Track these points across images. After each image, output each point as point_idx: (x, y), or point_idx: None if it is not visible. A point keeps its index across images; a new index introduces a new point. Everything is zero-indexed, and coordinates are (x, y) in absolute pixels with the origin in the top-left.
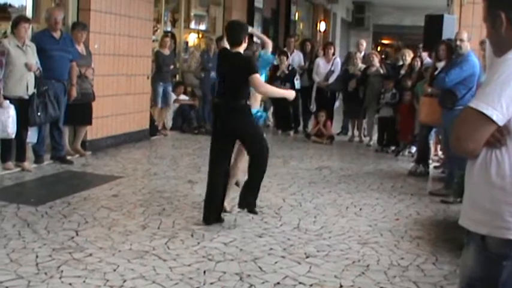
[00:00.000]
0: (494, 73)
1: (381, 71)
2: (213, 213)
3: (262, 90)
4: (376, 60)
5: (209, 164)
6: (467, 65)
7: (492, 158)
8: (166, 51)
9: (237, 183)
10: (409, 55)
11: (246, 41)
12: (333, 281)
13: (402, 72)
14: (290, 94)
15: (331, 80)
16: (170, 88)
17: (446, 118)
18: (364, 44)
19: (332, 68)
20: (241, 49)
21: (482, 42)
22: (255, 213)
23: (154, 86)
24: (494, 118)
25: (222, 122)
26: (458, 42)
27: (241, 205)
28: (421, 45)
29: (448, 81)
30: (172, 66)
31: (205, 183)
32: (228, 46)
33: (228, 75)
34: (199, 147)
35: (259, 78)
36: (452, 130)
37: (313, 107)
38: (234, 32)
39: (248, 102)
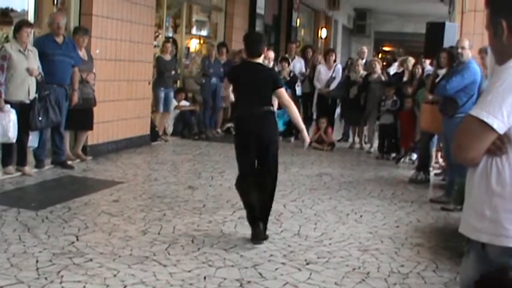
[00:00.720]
0: (496, 81)
1: (382, 78)
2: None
3: (288, 104)
4: (378, 67)
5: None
6: (469, 72)
7: (493, 166)
8: (168, 57)
9: None
10: (411, 62)
11: (265, 51)
12: None
13: (405, 79)
14: (305, 137)
15: (332, 86)
16: (172, 94)
17: (447, 126)
18: (366, 51)
19: (333, 75)
20: (261, 60)
21: (481, 51)
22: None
23: (155, 92)
24: (495, 126)
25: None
26: (459, 50)
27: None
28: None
29: (449, 89)
30: (173, 72)
31: (205, 189)
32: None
33: (253, 85)
34: (200, 153)
35: (285, 92)
36: (454, 138)
37: (314, 114)
38: (254, 43)
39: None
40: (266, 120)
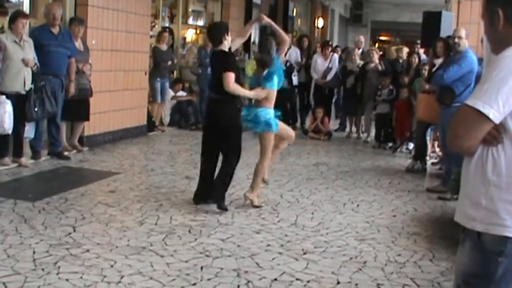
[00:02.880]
0: (492, 71)
1: (380, 68)
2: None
3: (229, 89)
4: (375, 57)
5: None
6: (466, 62)
7: (488, 155)
8: (164, 47)
9: (264, 180)
10: (405, 51)
11: (226, 38)
12: (330, 277)
13: (400, 68)
14: (255, 95)
15: (329, 77)
16: (167, 84)
17: (445, 115)
18: (363, 40)
19: (330, 65)
20: (223, 47)
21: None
22: (225, 209)
23: (151, 82)
24: (491, 116)
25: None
26: (456, 40)
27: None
28: (418, 42)
29: (446, 78)
30: (170, 62)
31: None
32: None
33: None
34: (197, 143)
35: (230, 76)
36: (449, 128)
37: (312, 104)
38: (213, 33)
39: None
40: (223, 107)
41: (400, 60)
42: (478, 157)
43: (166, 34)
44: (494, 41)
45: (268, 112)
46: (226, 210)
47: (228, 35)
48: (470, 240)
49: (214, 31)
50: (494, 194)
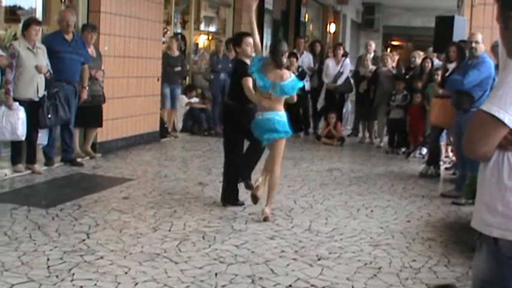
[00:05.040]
0: (506, 75)
1: (393, 71)
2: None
3: (245, 89)
4: (389, 62)
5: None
6: (485, 67)
7: (504, 160)
8: (174, 53)
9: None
10: (419, 57)
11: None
12: (345, 283)
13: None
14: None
15: (340, 81)
16: (178, 90)
17: (462, 120)
18: (373, 45)
19: (341, 70)
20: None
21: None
22: (251, 187)
23: (160, 88)
24: (506, 121)
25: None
26: (473, 44)
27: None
28: (431, 49)
29: (466, 84)
30: (178, 68)
31: (215, 185)
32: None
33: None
34: (210, 149)
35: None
36: (465, 133)
37: (319, 107)
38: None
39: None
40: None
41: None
42: (493, 162)
43: (174, 40)
44: (509, 45)
45: (284, 115)
46: (252, 188)
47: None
48: (486, 246)
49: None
50: (511, 199)
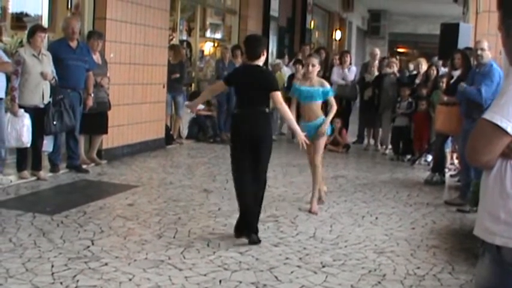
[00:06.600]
0: (509, 83)
1: (397, 75)
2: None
3: (281, 107)
4: (395, 68)
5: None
6: (495, 75)
7: (507, 169)
8: (177, 60)
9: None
10: (424, 64)
11: (264, 54)
12: None
13: (417, 81)
14: (300, 136)
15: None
16: (180, 98)
17: (471, 129)
18: (378, 52)
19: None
20: (260, 62)
21: None
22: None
23: None
24: (509, 130)
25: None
26: (479, 52)
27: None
28: (436, 58)
29: (485, 97)
30: (177, 75)
31: (220, 192)
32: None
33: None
34: (215, 156)
35: (280, 95)
36: (468, 142)
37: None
38: (252, 46)
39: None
40: (259, 121)
41: (415, 72)
42: (496, 171)
43: (176, 48)
44: (511, 53)
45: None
46: (260, 241)
47: (265, 50)
48: (489, 254)
49: (254, 43)
50: None
